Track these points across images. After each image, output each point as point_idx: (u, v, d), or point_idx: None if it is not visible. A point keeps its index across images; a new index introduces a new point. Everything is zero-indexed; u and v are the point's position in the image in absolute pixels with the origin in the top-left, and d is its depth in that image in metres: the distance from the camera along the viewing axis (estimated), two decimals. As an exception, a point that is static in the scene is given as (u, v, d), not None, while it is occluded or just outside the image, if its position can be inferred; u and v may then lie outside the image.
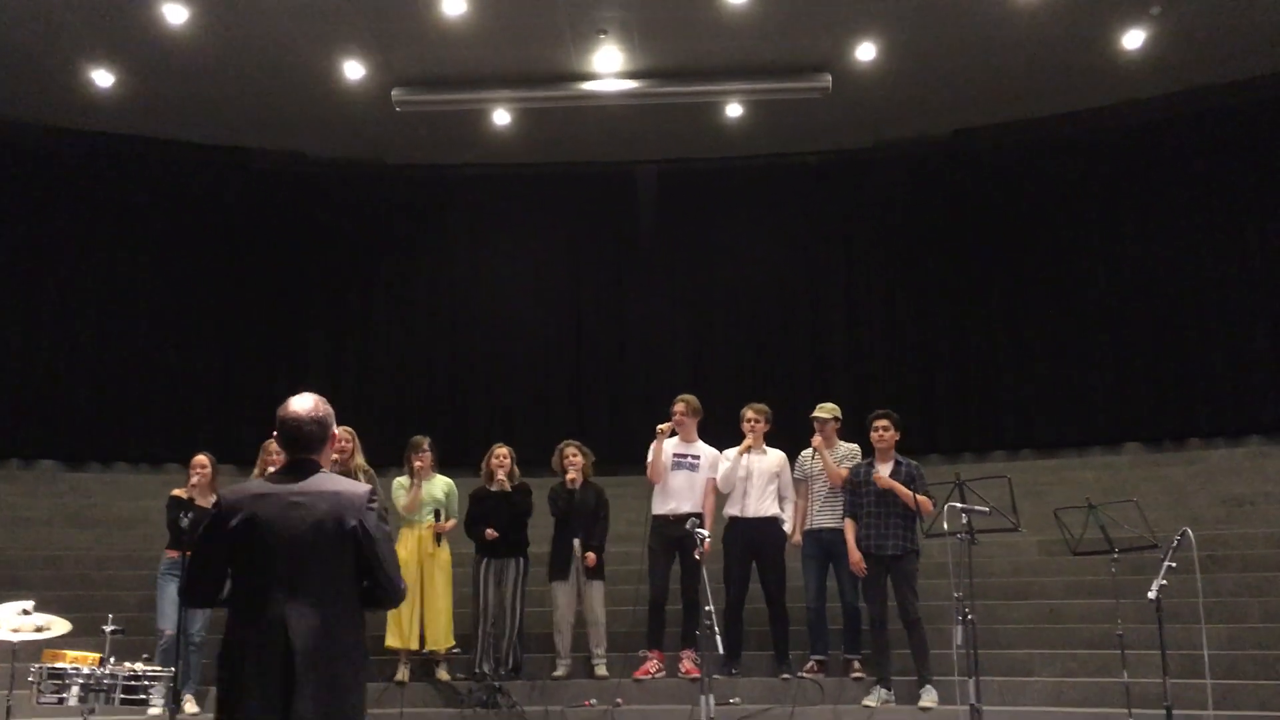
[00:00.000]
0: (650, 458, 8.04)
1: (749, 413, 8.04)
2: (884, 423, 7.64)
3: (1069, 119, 12.27)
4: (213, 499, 7.82)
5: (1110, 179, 12.37)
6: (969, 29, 10.69)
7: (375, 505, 3.38)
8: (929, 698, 7.24)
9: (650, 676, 7.80)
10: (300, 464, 3.42)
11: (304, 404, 3.47)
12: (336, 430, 3.48)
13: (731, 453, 8.02)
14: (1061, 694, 7.46)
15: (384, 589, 3.34)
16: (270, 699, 3.08)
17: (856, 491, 7.64)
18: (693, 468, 8.05)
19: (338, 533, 3.26)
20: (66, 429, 12.32)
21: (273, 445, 8.23)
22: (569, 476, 8.11)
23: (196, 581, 3.37)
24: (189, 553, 7.11)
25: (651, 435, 8.25)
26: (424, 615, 7.84)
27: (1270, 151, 11.56)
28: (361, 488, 3.41)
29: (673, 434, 8.05)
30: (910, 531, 7.42)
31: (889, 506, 7.47)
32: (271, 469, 7.92)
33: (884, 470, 7.55)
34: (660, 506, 7.99)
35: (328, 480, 3.40)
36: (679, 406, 8.14)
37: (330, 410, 3.51)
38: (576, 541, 7.97)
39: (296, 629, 3.14)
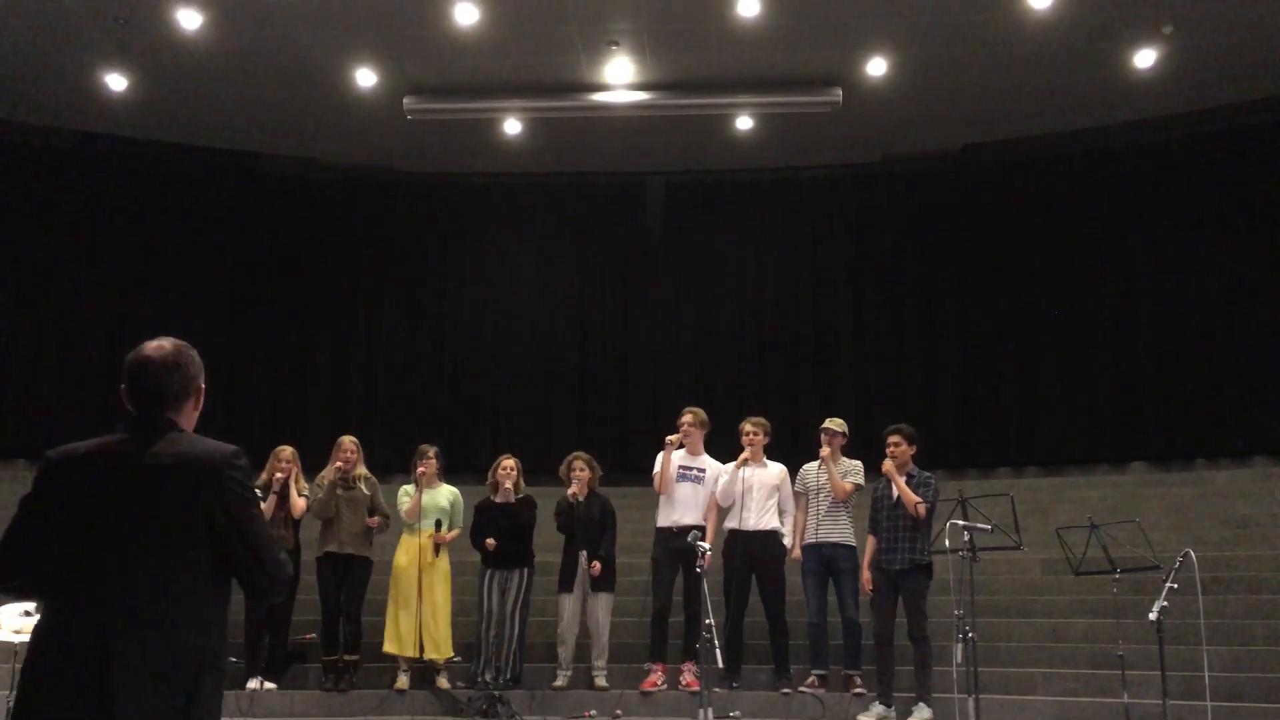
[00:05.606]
0: (658, 469, 8.05)
1: (747, 425, 8.03)
2: (894, 438, 7.62)
3: (1079, 136, 12.27)
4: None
5: (1119, 197, 12.32)
6: (980, 45, 10.70)
7: (240, 468, 2.71)
8: (920, 715, 7.21)
9: (657, 689, 7.80)
10: (149, 421, 2.77)
11: (161, 347, 2.83)
12: (203, 385, 2.85)
13: (731, 467, 8.02)
14: (1062, 713, 7.43)
15: (252, 574, 2.69)
16: (74, 713, 2.50)
17: (878, 508, 7.66)
18: (698, 480, 8.05)
19: (187, 508, 2.63)
20: (76, 431, 12.29)
21: (285, 452, 8.27)
22: (571, 490, 8.11)
23: (3, 559, 2.70)
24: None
25: (657, 446, 8.26)
26: (423, 623, 7.85)
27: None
28: (224, 448, 2.73)
29: (680, 446, 8.05)
30: (917, 546, 7.38)
31: (899, 521, 7.46)
32: (279, 474, 8.00)
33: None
34: (664, 519, 8.01)
35: (182, 442, 2.73)
36: (686, 418, 8.14)
37: (197, 360, 2.86)
38: (583, 554, 7.96)
39: (117, 630, 2.53)
